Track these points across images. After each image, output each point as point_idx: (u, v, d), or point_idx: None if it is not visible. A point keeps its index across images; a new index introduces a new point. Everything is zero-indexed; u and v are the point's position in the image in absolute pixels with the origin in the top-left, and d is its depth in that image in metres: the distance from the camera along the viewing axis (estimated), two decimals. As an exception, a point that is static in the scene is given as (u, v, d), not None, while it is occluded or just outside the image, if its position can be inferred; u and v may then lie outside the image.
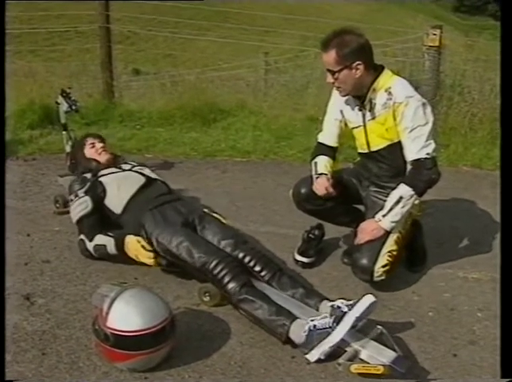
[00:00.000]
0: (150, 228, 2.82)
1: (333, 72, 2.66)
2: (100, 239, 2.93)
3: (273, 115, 5.56)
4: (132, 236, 2.84)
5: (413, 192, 2.67)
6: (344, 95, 2.78)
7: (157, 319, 2.15)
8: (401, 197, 2.67)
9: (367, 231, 2.72)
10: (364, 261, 2.72)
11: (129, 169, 3.25)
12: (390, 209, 2.67)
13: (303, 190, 2.93)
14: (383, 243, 2.72)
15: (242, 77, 8.34)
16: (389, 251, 2.73)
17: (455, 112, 5.13)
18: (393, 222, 2.69)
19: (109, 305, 2.17)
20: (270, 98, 6.41)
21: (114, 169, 3.22)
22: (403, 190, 2.68)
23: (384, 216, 2.69)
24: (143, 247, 2.79)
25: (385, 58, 6.59)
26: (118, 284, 2.30)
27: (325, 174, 2.86)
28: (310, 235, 3.11)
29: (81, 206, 3.02)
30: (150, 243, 2.81)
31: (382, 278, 2.71)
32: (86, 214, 3.02)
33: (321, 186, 2.83)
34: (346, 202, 3.01)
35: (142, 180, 3.13)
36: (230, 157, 4.74)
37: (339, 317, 2.28)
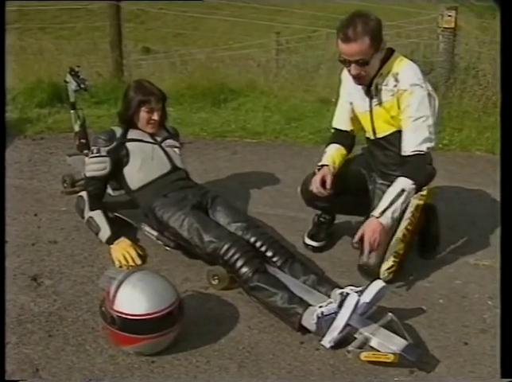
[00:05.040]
0: (160, 211, 2.79)
1: (365, 61, 2.51)
2: (99, 218, 2.89)
3: (284, 96, 5.50)
4: (127, 240, 2.85)
5: (414, 186, 2.55)
6: (364, 84, 2.65)
7: (164, 303, 2.13)
8: (403, 190, 2.53)
9: (370, 231, 2.52)
10: (369, 264, 2.66)
11: (160, 143, 3.07)
12: (391, 204, 2.52)
13: (311, 187, 2.79)
14: (388, 243, 2.65)
15: (253, 57, 8.24)
16: (394, 252, 2.67)
17: (469, 95, 5.05)
18: (393, 217, 2.54)
19: (116, 288, 2.15)
20: (281, 78, 6.35)
21: (145, 137, 3.04)
22: (405, 183, 2.55)
23: (383, 211, 2.52)
24: (135, 249, 2.83)
25: (399, 39, 6.53)
26: (126, 266, 2.28)
27: (327, 166, 2.75)
28: (321, 219, 3.07)
29: (98, 165, 2.94)
30: (160, 227, 2.81)
31: (389, 278, 2.65)
32: (100, 176, 2.95)
33: (315, 184, 2.70)
34: (356, 194, 2.90)
35: (167, 167, 3.00)
36: (241, 138, 4.69)
37: (341, 302, 2.26)
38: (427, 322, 2.47)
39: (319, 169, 2.75)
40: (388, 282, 2.64)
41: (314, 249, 3.00)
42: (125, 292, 2.14)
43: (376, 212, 2.54)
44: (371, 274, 2.66)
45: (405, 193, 2.54)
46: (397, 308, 2.51)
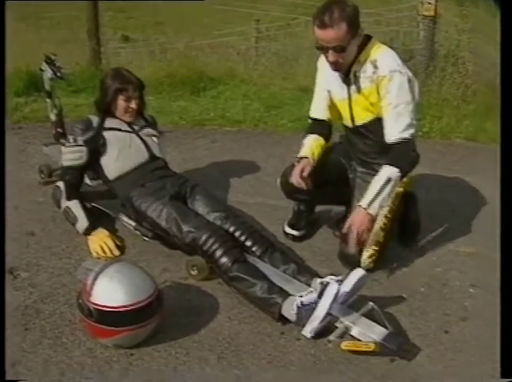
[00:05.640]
0: (138, 201, 2.75)
1: (342, 48, 2.47)
2: (76, 209, 2.83)
3: (264, 84, 5.47)
4: (105, 231, 2.80)
5: (400, 174, 2.53)
6: (341, 71, 2.62)
7: (142, 295, 2.09)
8: (389, 179, 2.51)
9: (358, 222, 2.51)
10: (350, 252, 2.64)
11: (138, 132, 3.01)
12: (378, 194, 2.50)
13: (291, 180, 2.73)
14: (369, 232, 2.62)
15: (233, 45, 8.17)
16: (375, 240, 2.65)
17: (448, 83, 5.05)
18: (381, 206, 2.54)
19: (93, 280, 2.11)
20: (261, 66, 6.30)
21: (123, 126, 2.99)
22: (391, 171, 2.52)
23: (371, 202, 2.50)
24: (113, 240, 2.78)
25: (378, 27, 6.51)
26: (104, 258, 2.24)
27: (306, 158, 2.70)
28: (301, 208, 3.04)
29: (75, 155, 2.89)
30: (138, 218, 2.76)
31: (370, 266, 2.64)
32: (76, 165, 2.91)
33: (294, 176, 2.65)
34: (337, 184, 2.87)
35: (145, 156, 2.96)
36: (220, 127, 4.64)
37: (322, 291, 2.23)
38: (408, 311, 2.46)
39: (298, 162, 2.72)
40: (369, 270, 2.63)
41: (294, 238, 2.98)
42: (102, 284, 2.10)
43: (364, 203, 2.51)
44: (352, 262, 2.64)
45: (392, 182, 2.52)
46: (378, 296, 2.50)
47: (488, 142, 4.32)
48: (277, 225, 3.05)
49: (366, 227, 2.51)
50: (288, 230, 3.00)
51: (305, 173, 2.64)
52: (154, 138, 3.07)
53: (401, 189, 2.78)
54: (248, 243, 2.60)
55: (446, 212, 3.31)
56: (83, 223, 2.80)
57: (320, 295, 2.23)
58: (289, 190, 2.83)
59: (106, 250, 2.72)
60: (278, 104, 5.08)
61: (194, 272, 2.57)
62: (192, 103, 5.16)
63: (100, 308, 2.05)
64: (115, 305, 2.05)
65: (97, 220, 2.88)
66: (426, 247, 2.95)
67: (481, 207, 3.37)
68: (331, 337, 2.17)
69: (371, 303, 2.31)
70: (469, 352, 2.23)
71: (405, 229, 2.98)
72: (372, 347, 2.11)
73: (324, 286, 2.27)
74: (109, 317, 2.06)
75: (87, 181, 3.13)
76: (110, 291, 2.07)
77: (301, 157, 2.73)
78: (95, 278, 2.11)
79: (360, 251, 2.63)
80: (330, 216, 3.17)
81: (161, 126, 4.42)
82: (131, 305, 2.06)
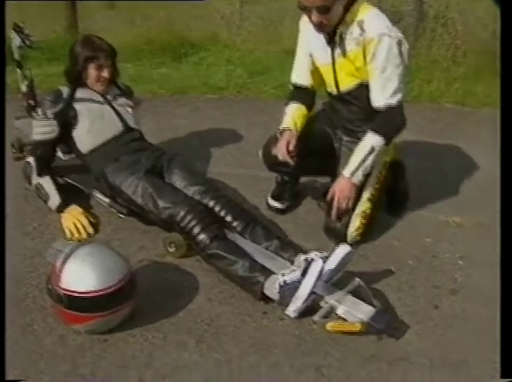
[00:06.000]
0: (112, 177, 2.61)
1: (327, 8, 2.31)
2: (48, 185, 2.70)
3: (248, 49, 5.29)
4: (79, 208, 2.67)
5: (384, 142, 2.43)
6: (326, 33, 2.46)
7: (114, 278, 1.96)
8: (373, 148, 2.41)
9: (340, 192, 2.43)
10: (336, 225, 2.54)
11: (111, 103, 2.86)
12: (362, 162, 2.41)
13: (274, 151, 2.60)
14: (355, 203, 2.52)
15: (217, 9, 7.89)
16: (362, 212, 2.54)
17: (438, 44, 4.91)
18: (365, 175, 2.44)
19: (62, 263, 1.98)
20: (245, 31, 6.07)
21: (95, 96, 2.82)
22: (374, 140, 2.42)
23: (355, 171, 2.42)
24: (87, 217, 2.65)
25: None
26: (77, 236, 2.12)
27: (289, 129, 2.57)
28: (284, 178, 2.92)
29: (45, 129, 2.74)
30: (112, 194, 2.63)
31: (357, 239, 2.55)
32: (47, 139, 2.75)
33: (281, 151, 2.52)
34: (322, 155, 2.73)
35: (119, 128, 2.80)
36: (202, 94, 4.47)
37: (305, 269, 2.12)
38: (396, 285, 2.37)
39: (281, 134, 2.58)
40: (355, 243, 2.54)
41: (278, 210, 2.86)
42: (71, 267, 1.97)
43: (347, 172, 2.41)
44: (338, 236, 2.54)
45: (376, 151, 2.42)
46: (365, 271, 2.40)
47: (478, 107, 4.18)
48: (260, 197, 2.93)
49: (349, 196, 2.43)
50: (272, 202, 2.87)
51: (291, 147, 2.51)
52: (129, 109, 2.90)
53: (388, 159, 2.66)
54: (228, 218, 2.48)
55: (436, 180, 3.19)
56: (55, 200, 2.67)
57: (304, 273, 2.11)
58: (272, 163, 2.70)
59: (80, 228, 2.59)
60: (262, 70, 4.91)
61: (172, 249, 2.44)
62: (173, 70, 4.98)
63: (70, 294, 1.93)
64: (86, 290, 1.92)
65: (70, 196, 2.74)
66: (415, 218, 2.85)
67: (473, 174, 3.26)
68: (316, 318, 2.06)
69: (358, 279, 2.20)
70: (459, 328, 2.15)
71: (394, 199, 2.87)
72: (359, 327, 2.00)
73: (308, 263, 2.16)
74: (80, 303, 1.93)
75: (59, 154, 2.98)
76: (81, 275, 1.94)
77: (284, 129, 2.58)
78: (65, 262, 1.98)
79: (346, 224, 2.52)
80: (315, 187, 3.05)
81: (140, 95, 4.30)
82: (103, 290, 1.93)
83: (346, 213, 2.49)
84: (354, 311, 2.08)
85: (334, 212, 2.49)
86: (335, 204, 2.46)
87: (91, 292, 1.92)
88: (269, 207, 2.87)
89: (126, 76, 4.65)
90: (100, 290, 1.93)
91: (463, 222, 2.81)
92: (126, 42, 5.31)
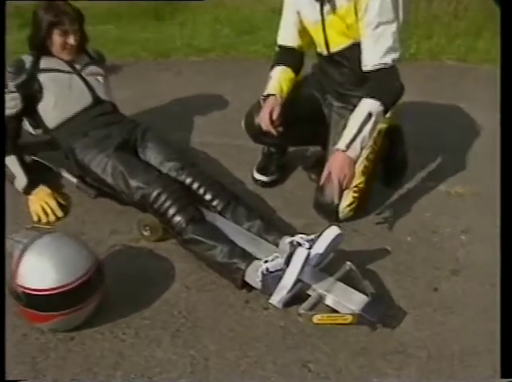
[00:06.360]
0: (81, 154, 2.39)
1: None
2: (14, 164, 2.47)
3: (235, 7, 4.97)
4: (47, 189, 2.45)
5: (382, 108, 2.15)
6: None
7: (76, 272, 1.75)
8: (370, 115, 2.13)
9: (338, 168, 2.11)
10: (327, 201, 2.32)
11: (80, 72, 2.60)
12: (358, 132, 2.12)
13: (258, 120, 2.38)
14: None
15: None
16: (355, 186, 2.31)
17: (438, -2, 4.61)
18: (362, 148, 2.16)
19: (19, 257, 1.77)
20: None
21: (61, 66, 2.56)
22: (371, 105, 2.14)
23: (351, 142, 2.12)
24: (56, 199, 2.43)
25: None
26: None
27: (274, 95, 2.33)
28: (271, 149, 2.69)
29: (8, 103, 2.50)
30: (81, 173, 2.41)
31: (350, 215, 2.34)
32: (11, 115, 2.52)
33: (263, 120, 2.30)
34: (310, 123, 2.50)
35: (88, 100, 2.56)
36: (186, 57, 4.19)
37: (290, 255, 1.90)
38: (392, 266, 2.17)
39: (265, 100, 2.34)
40: (348, 220, 2.34)
41: (264, 184, 2.64)
42: (29, 262, 1.76)
43: (342, 145, 2.12)
44: (329, 212, 2.34)
45: (373, 118, 2.13)
46: (359, 250, 2.22)
47: (479, 63, 3.91)
48: (245, 170, 2.72)
49: (348, 173, 2.11)
50: (257, 175, 2.66)
51: (275, 116, 2.28)
52: (100, 78, 2.65)
53: (384, 126, 2.43)
54: (207, 197, 2.27)
55: (436, 146, 2.96)
56: (21, 180, 2.45)
57: (288, 260, 1.90)
58: (256, 133, 2.47)
59: (48, 211, 2.39)
60: (251, 29, 4.62)
61: (146, 233, 2.24)
62: (157, 32, 4.69)
63: (27, 291, 1.73)
64: (46, 287, 1.72)
65: (39, 175, 2.52)
66: (414, 189, 2.63)
67: (476, 138, 3.03)
68: (302, 310, 1.86)
69: (349, 263, 2.01)
70: (460, 313, 1.97)
71: (390, 169, 2.66)
72: (349, 319, 1.82)
73: (294, 247, 1.95)
74: (38, 302, 1.74)
75: (29, 129, 2.75)
76: (39, 271, 1.74)
77: (268, 95, 2.34)
78: (21, 255, 1.77)
79: (338, 199, 2.31)
80: (305, 157, 2.83)
81: (121, 58, 4.06)
82: (63, 287, 1.73)
83: (346, 189, 2.23)
84: (344, 301, 1.88)
85: (328, 189, 2.25)
86: (333, 183, 2.14)
87: (50, 289, 1.72)
88: (255, 181, 2.66)
89: (110, 37, 4.41)
90: (60, 287, 1.72)
91: (465, 192, 2.60)
92: (108, 3, 5.04)
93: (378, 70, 2.18)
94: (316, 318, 1.83)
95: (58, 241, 1.84)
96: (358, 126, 2.13)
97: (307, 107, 2.49)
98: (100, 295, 1.86)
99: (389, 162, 2.63)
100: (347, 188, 2.17)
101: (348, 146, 2.12)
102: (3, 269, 1.80)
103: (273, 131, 2.29)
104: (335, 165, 2.12)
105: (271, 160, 2.68)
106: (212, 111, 3.31)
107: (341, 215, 2.33)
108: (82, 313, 1.81)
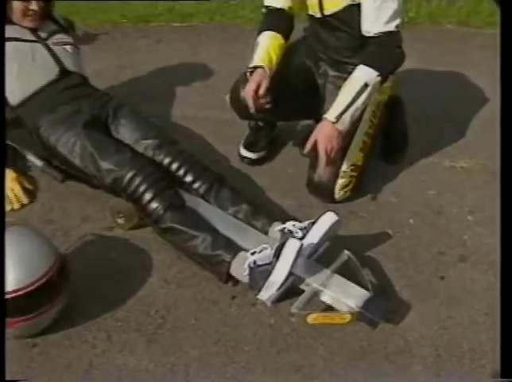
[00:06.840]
0: (46, 133, 2.13)
1: None
2: None
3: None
4: (11, 172, 2.21)
5: (379, 78, 1.94)
6: None
7: (36, 272, 1.54)
8: (366, 85, 1.92)
9: (325, 139, 1.92)
10: (321, 180, 2.11)
11: (45, 41, 2.33)
12: (351, 103, 1.92)
13: (243, 95, 2.12)
14: (344, 153, 2.08)
15: None
16: (352, 164, 2.11)
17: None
18: (352, 122, 1.96)
19: (-30, 255, 1.56)
20: None
21: (23, 34, 2.29)
22: (368, 74, 1.93)
23: (341, 114, 1.92)
24: (21, 183, 2.20)
25: None
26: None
27: (261, 67, 2.07)
28: (259, 124, 2.46)
29: None
30: (47, 154, 2.17)
31: (346, 196, 2.13)
32: None
33: (248, 96, 2.03)
34: (302, 95, 2.26)
35: (54, 72, 2.29)
36: (167, 23, 3.89)
37: (280, 246, 1.68)
38: (394, 252, 1.97)
39: (251, 73, 2.09)
40: (344, 201, 2.14)
41: (252, 162, 2.41)
42: (-19, 260, 1.54)
43: (331, 116, 1.92)
44: (323, 193, 2.13)
45: (369, 88, 1.93)
46: (357, 235, 2.02)
47: (482, 26, 3.66)
48: (232, 145, 2.49)
49: (336, 144, 1.93)
50: (244, 152, 2.43)
51: (262, 91, 2.03)
52: (68, 47, 2.38)
53: (384, 98, 2.20)
54: (188, 179, 2.04)
55: (438, 116, 2.72)
56: None
57: (278, 253, 1.68)
58: (242, 109, 2.22)
59: (12, 197, 2.16)
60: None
61: (121, 220, 2.02)
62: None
63: (-22, 294, 1.52)
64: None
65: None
66: (416, 164, 2.41)
67: (481, 107, 2.79)
68: (294, 310, 1.65)
69: (347, 252, 1.81)
70: (470, 306, 1.78)
71: (390, 144, 2.44)
72: (348, 318, 1.62)
73: (285, 235, 1.74)
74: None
75: None
76: (-9, 271, 1.53)
77: (255, 67, 2.10)
78: (-27, 253, 1.56)
79: (334, 179, 2.09)
80: (296, 131, 2.59)
81: (97, 26, 3.78)
82: (20, 290, 1.51)
83: (332, 165, 2.04)
84: (342, 297, 1.66)
85: (319, 162, 2.03)
86: (319, 153, 1.97)
87: (8, 293, 1.50)
88: (242, 158, 2.43)
89: (84, 4, 4.11)
90: (16, 291, 1.51)
91: (471, 167, 2.38)
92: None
93: (379, 36, 1.96)
94: (311, 318, 1.62)
95: (14, 237, 1.61)
96: (351, 97, 1.93)
97: (298, 78, 2.25)
98: (65, 296, 1.64)
99: (388, 136, 2.42)
100: (334, 160, 1.99)
101: (338, 118, 1.92)
102: (3, 269, 1.58)
103: (261, 106, 2.05)
104: (321, 135, 1.93)
105: (259, 135, 2.45)
106: (195, 81, 3.05)
107: (337, 196, 2.12)
108: (44, 318, 1.61)
